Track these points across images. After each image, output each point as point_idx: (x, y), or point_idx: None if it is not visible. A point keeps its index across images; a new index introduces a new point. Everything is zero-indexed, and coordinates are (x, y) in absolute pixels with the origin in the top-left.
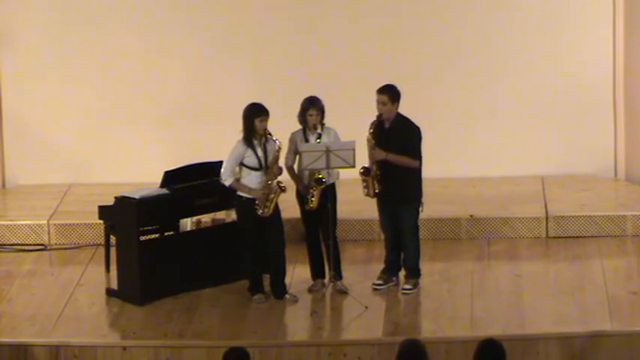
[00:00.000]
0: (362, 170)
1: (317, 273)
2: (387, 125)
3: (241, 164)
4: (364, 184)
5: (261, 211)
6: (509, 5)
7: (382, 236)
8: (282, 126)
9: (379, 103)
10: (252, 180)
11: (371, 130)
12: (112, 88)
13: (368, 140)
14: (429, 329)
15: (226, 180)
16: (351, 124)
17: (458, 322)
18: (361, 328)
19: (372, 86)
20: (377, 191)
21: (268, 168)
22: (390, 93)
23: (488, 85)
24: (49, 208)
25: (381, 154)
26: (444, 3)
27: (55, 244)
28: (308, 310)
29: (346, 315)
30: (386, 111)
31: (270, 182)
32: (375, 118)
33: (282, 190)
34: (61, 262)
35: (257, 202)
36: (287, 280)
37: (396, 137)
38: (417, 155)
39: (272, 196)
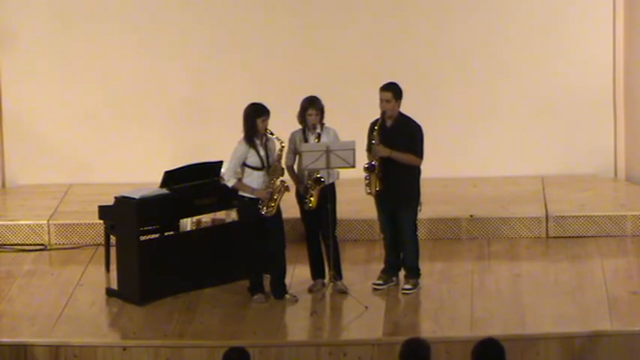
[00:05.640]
0: (366, 165)
1: (317, 273)
2: (388, 124)
3: (243, 164)
4: (366, 181)
5: (264, 211)
6: (509, 5)
7: (382, 236)
8: (282, 126)
9: (383, 100)
10: (254, 180)
11: (376, 127)
12: (112, 88)
13: (373, 137)
14: (429, 329)
15: (229, 181)
16: (351, 124)
17: (458, 322)
18: (361, 328)
19: (371, 86)
20: (377, 189)
21: (270, 167)
22: (393, 90)
23: (488, 85)
24: (49, 208)
25: (386, 151)
26: (444, 3)
27: (55, 244)
28: (308, 310)
29: (346, 315)
30: (390, 108)
31: (273, 182)
32: (374, 119)
33: (287, 189)
34: (61, 262)
35: (261, 201)
36: (287, 280)
37: (399, 135)
38: (421, 154)
39: (276, 195)
